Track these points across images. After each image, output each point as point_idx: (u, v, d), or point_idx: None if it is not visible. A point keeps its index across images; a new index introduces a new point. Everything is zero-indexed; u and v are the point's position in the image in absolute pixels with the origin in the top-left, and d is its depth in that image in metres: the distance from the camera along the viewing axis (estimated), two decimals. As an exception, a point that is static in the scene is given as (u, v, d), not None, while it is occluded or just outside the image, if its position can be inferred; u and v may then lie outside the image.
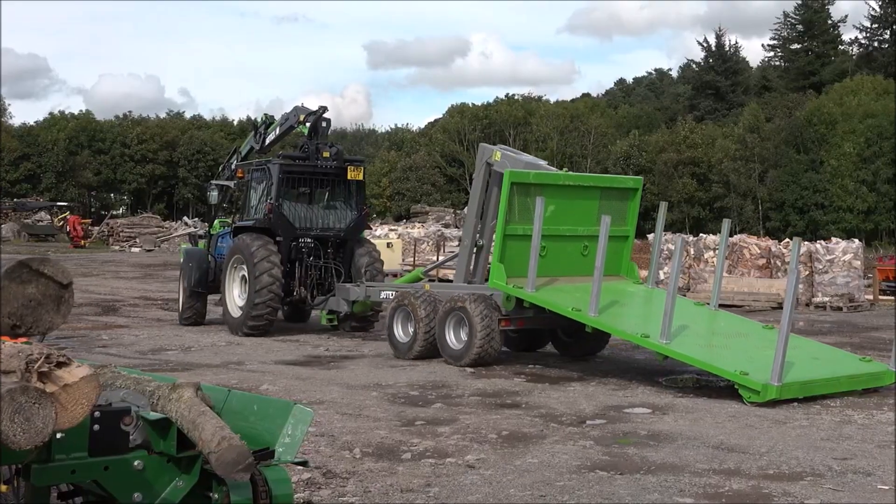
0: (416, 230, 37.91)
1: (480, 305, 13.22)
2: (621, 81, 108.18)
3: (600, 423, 9.74)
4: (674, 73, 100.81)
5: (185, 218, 66.41)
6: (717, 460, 8.15)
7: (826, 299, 24.00)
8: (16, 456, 3.32)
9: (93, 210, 78.68)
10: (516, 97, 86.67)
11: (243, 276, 16.57)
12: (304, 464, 4.22)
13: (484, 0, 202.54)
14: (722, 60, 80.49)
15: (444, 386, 11.90)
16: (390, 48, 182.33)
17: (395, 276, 24.12)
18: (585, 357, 14.50)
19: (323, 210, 17.48)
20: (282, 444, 3.94)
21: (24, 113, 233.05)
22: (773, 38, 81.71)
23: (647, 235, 28.42)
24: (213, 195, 19.29)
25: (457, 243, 34.99)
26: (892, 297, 25.76)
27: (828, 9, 78.06)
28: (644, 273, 15.41)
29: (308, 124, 17.76)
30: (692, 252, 26.31)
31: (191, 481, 3.81)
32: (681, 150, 64.36)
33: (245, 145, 20.16)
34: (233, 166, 20.05)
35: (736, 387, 11.00)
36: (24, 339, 3.90)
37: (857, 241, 27.11)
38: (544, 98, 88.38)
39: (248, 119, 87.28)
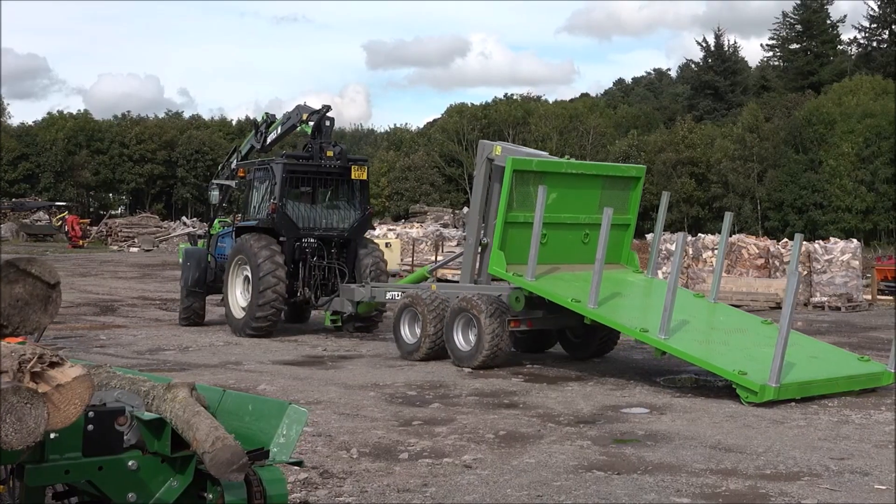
0: (415, 230, 37.90)
1: (489, 306, 13.06)
2: (620, 81, 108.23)
3: (597, 423, 9.73)
4: (672, 73, 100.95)
5: (184, 218, 66.42)
6: (715, 460, 8.15)
7: (824, 299, 24.00)
8: (8, 456, 3.32)
9: (91, 210, 78.68)
10: (515, 97, 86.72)
11: (246, 276, 16.42)
12: (298, 464, 4.22)
13: (483, 0, 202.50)
14: (721, 60, 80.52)
15: (442, 386, 11.89)
16: (389, 48, 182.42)
17: (393, 276, 24.07)
18: (594, 358, 14.39)
19: (326, 210, 17.33)
20: (276, 444, 3.94)
21: (24, 113, 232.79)
22: (772, 38, 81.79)
23: (646, 235, 28.42)
24: (215, 194, 19.13)
25: (455, 243, 35.02)
26: (891, 297, 25.77)
27: (826, 9, 78.11)
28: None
29: (311, 123, 17.63)
30: (690, 252, 26.32)
31: (185, 481, 3.81)
32: (679, 149, 64.38)
33: (245, 144, 20.01)
34: (233, 165, 19.94)
35: (734, 386, 10.98)
36: (19, 339, 3.90)
37: (855, 240, 27.13)
38: (543, 98, 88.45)
39: (248, 119, 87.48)
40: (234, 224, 18.36)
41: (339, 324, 16.73)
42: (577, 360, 14.29)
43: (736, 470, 7.84)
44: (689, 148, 64.94)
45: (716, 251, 26.43)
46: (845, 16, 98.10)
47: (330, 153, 17.15)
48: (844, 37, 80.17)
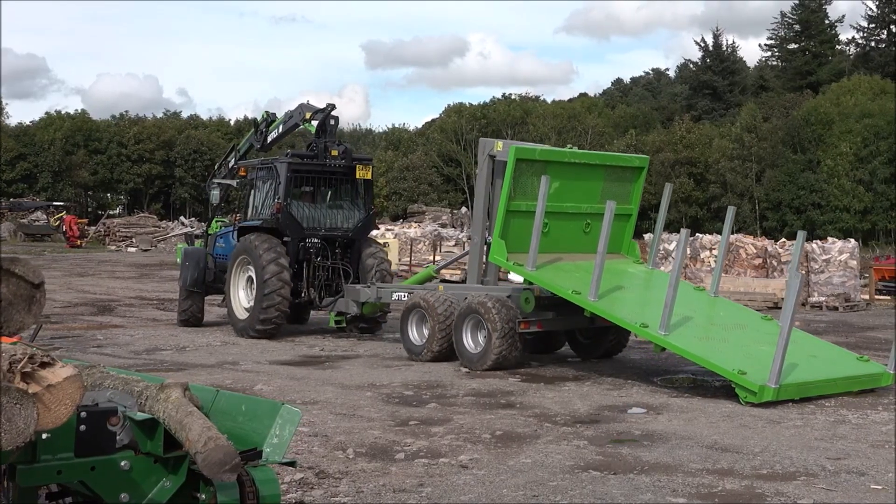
0: (413, 230, 37.88)
1: (499, 308, 12.88)
2: (618, 81, 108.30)
3: (594, 423, 9.72)
4: (671, 73, 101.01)
5: (182, 218, 66.38)
6: (711, 460, 8.14)
7: (822, 299, 24.00)
8: (-1, 457, 3.30)
9: (89, 210, 78.66)
10: (514, 97, 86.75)
11: (249, 277, 16.26)
12: (292, 464, 4.20)
13: (482, 0, 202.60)
14: (719, 60, 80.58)
15: (439, 386, 11.88)
16: (388, 48, 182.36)
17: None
18: (603, 359, 14.27)
19: (330, 210, 17.15)
20: (270, 444, 3.92)
21: (22, 113, 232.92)
22: (771, 38, 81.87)
23: (644, 235, 28.41)
24: (215, 194, 18.90)
25: (454, 243, 35.02)
26: (889, 297, 25.78)
27: (825, 9, 78.17)
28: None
29: (314, 122, 17.49)
30: (688, 252, 26.31)
31: (178, 482, 3.79)
32: (678, 149, 64.42)
33: (244, 143, 19.83)
34: (230, 164, 19.84)
35: (733, 386, 10.95)
36: (13, 340, 3.89)
37: (852, 240, 27.14)
38: (542, 98, 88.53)
39: (246, 119, 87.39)
40: (234, 223, 18.27)
41: (344, 325, 16.54)
42: (585, 361, 14.15)
43: (732, 470, 7.83)
44: (688, 148, 64.98)
45: (713, 251, 26.48)
46: (843, 16, 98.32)
47: (335, 152, 16.98)
48: (843, 37, 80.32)
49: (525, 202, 13.44)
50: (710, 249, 26.74)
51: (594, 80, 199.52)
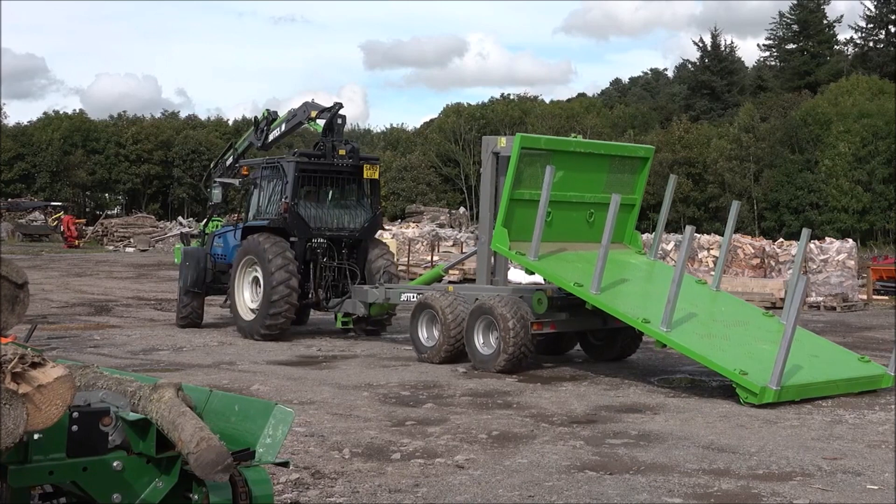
0: (411, 230, 37.87)
1: (511, 309, 12.64)
2: (617, 81, 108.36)
3: (591, 423, 9.72)
4: (669, 73, 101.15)
5: (180, 218, 66.35)
6: (707, 460, 8.13)
7: (820, 299, 24.00)
8: (-11, 456, 3.30)
9: (87, 210, 78.66)
10: (512, 97, 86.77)
11: (255, 277, 16.07)
12: (285, 464, 4.20)
13: (480, 0, 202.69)
14: (717, 60, 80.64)
15: (436, 386, 11.87)
16: (387, 48, 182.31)
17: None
18: (616, 361, 14.11)
19: (338, 210, 16.93)
20: (262, 444, 3.92)
21: (21, 113, 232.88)
22: (769, 38, 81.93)
23: (644, 236, 28.36)
24: (217, 193, 18.57)
25: (451, 243, 35.01)
26: (886, 297, 25.80)
27: (823, 9, 78.20)
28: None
29: (319, 121, 17.30)
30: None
31: (170, 482, 3.79)
32: (676, 150, 64.41)
33: (243, 142, 19.63)
34: (227, 163, 19.65)
35: (734, 386, 10.88)
36: (8, 340, 3.88)
37: (850, 240, 27.17)
38: (540, 98, 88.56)
39: (244, 119, 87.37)
40: (235, 223, 18.13)
41: (351, 326, 16.40)
42: (595, 362, 13.99)
43: (728, 470, 7.82)
44: (686, 148, 64.98)
45: (712, 251, 26.48)
46: (842, 16, 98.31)
47: (342, 151, 16.78)
48: (841, 37, 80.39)
49: (529, 191, 13.27)
50: (709, 249, 26.74)
51: (593, 80, 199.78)
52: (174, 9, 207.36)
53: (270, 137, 18.67)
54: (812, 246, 25.45)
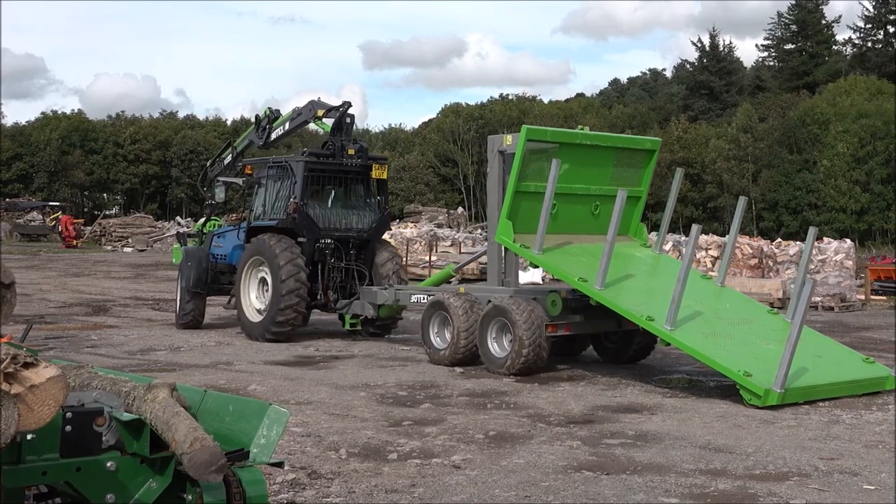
0: (409, 230, 37.85)
1: (525, 311, 12.46)
2: (615, 81, 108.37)
3: (588, 423, 9.71)
4: (668, 73, 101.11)
5: (178, 218, 66.32)
6: (704, 460, 8.13)
7: (818, 299, 23.99)
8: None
9: (85, 210, 78.60)
10: (510, 97, 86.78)
11: (262, 278, 15.89)
12: (279, 465, 4.19)
13: (479, 0, 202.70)
14: (716, 60, 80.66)
15: (433, 386, 11.86)
16: (386, 48, 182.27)
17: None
18: (630, 363, 13.94)
19: (346, 210, 16.73)
20: (257, 444, 3.91)
21: (20, 113, 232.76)
22: (767, 39, 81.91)
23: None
24: (220, 192, 18.17)
25: (450, 243, 35.00)
26: (884, 297, 25.80)
27: (821, 9, 78.22)
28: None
29: (326, 120, 17.12)
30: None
31: (164, 482, 3.78)
32: (674, 150, 64.39)
33: (242, 140, 19.40)
34: (226, 162, 19.52)
35: (737, 387, 10.77)
36: (4, 339, 3.86)
37: (848, 241, 27.17)
38: (538, 98, 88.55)
39: (242, 119, 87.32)
40: (238, 222, 17.98)
41: (359, 327, 16.24)
42: (611, 364, 13.81)
43: (725, 470, 7.82)
44: (684, 148, 64.99)
45: (710, 251, 26.47)
46: (840, 16, 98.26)
47: (351, 151, 16.58)
48: (839, 37, 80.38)
49: (534, 183, 13.13)
50: (706, 249, 26.73)
51: (591, 80, 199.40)
52: (173, 9, 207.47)
53: (273, 136, 18.47)
54: (810, 246, 25.40)
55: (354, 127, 17.73)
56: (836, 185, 57.76)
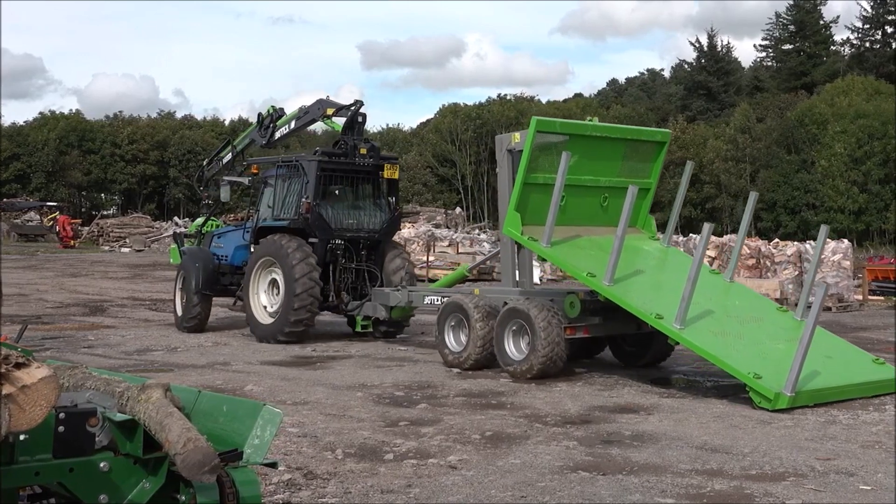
0: (406, 230, 37.84)
1: (543, 313, 12.22)
2: (613, 82, 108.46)
3: (585, 423, 9.70)
4: (666, 74, 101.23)
5: (176, 218, 66.30)
6: (701, 461, 8.12)
7: (814, 299, 23.97)
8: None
9: (83, 210, 78.60)
10: (508, 97, 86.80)
11: (273, 279, 15.69)
12: (273, 465, 4.17)
13: (478, 0, 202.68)
14: (714, 61, 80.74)
15: (430, 386, 11.85)
16: (384, 48, 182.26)
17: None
18: (648, 367, 13.65)
19: (357, 210, 16.54)
20: (251, 445, 3.90)
21: (18, 113, 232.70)
22: (765, 39, 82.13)
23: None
24: (226, 191, 17.85)
25: (447, 243, 34.99)
26: (882, 298, 25.81)
27: (820, 9, 78.31)
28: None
29: (337, 119, 16.94)
30: (684, 251, 26.28)
31: (157, 483, 3.77)
32: (672, 150, 64.37)
33: (243, 139, 19.18)
34: (224, 161, 19.26)
35: (747, 390, 10.62)
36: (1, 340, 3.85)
37: (846, 241, 27.16)
38: (536, 98, 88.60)
39: (240, 119, 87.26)
40: (244, 222, 17.76)
41: (371, 329, 16.08)
42: (629, 367, 13.57)
43: (721, 470, 7.81)
44: (682, 148, 64.99)
45: (707, 251, 26.46)
46: (838, 16, 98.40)
47: (363, 150, 16.36)
48: (837, 37, 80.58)
49: (543, 175, 12.97)
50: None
51: (590, 80, 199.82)
52: (172, 9, 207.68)
53: (277, 135, 18.22)
54: (807, 246, 25.44)
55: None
56: (833, 185, 57.82)
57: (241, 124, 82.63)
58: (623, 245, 12.11)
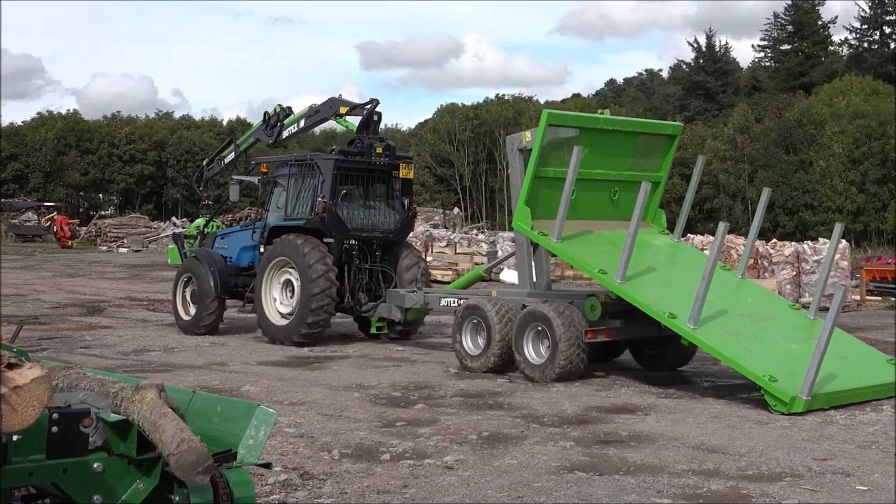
0: (405, 230, 37.77)
1: (563, 316, 12.03)
2: (612, 82, 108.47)
3: (582, 423, 9.70)
4: (664, 74, 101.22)
5: (174, 218, 66.25)
6: (697, 461, 8.12)
7: (812, 299, 23.96)
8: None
9: (81, 210, 78.57)
10: (506, 97, 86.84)
11: (287, 280, 15.48)
12: (267, 466, 4.17)
13: (476, 0, 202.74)
14: (712, 61, 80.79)
15: (427, 387, 11.84)
16: (383, 49, 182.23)
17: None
18: (668, 371, 13.40)
19: (372, 210, 16.36)
20: (245, 445, 3.90)
21: (17, 113, 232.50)
22: (764, 39, 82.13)
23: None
24: (235, 190, 17.69)
25: (445, 244, 34.96)
26: (879, 298, 25.81)
27: (818, 9, 78.33)
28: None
29: (350, 118, 16.79)
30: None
31: (151, 483, 3.77)
32: (670, 150, 64.39)
33: (247, 138, 18.91)
34: (227, 160, 18.93)
35: (762, 393, 10.49)
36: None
37: (843, 241, 27.15)
38: (534, 98, 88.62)
39: (238, 119, 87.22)
40: (253, 222, 17.48)
41: (385, 331, 15.89)
42: (650, 371, 13.37)
43: (718, 471, 7.81)
44: (680, 149, 64.73)
45: (705, 251, 26.44)
46: (836, 17, 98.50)
47: (379, 149, 16.19)
48: (835, 38, 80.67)
49: (554, 168, 12.82)
50: (702, 249, 26.71)
51: (588, 80, 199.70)
52: (171, 9, 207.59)
53: (285, 134, 18.00)
54: (805, 246, 25.44)
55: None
56: (831, 185, 57.87)
57: (239, 124, 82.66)
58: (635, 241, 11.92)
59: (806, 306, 23.50)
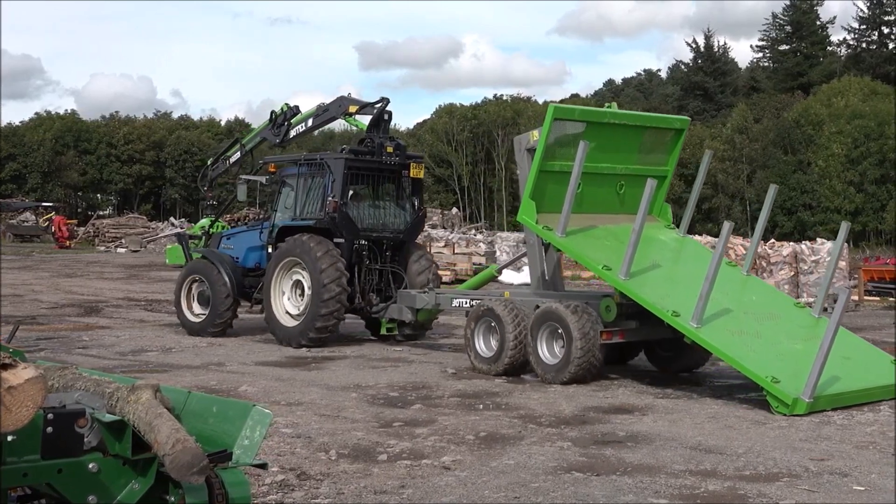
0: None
1: (578, 317, 11.89)
2: (610, 82, 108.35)
3: (579, 424, 9.70)
4: (663, 74, 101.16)
5: (172, 218, 66.25)
6: (694, 461, 8.12)
7: (811, 299, 23.98)
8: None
9: (79, 210, 78.54)
10: (505, 98, 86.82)
11: (296, 280, 15.37)
12: (263, 466, 4.16)
13: (475, 0, 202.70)
14: (711, 61, 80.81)
15: (425, 387, 11.84)
16: (381, 49, 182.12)
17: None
18: (683, 373, 13.25)
19: (382, 210, 16.25)
20: (240, 445, 3.89)
21: (15, 113, 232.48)
22: (762, 39, 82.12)
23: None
24: (243, 190, 17.49)
25: (443, 244, 34.97)
26: (878, 298, 25.82)
27: (816, 10, 78.37)
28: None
29: (358, 117, 16.72)
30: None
31: (146, 484, 3.76)
32: (669, 150, 64.41)
33: (253, 137, 18.75)
34: (232, 160, 18.80)
35: (765, 394, 10.44)
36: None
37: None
38: (533, 99, 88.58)
39: (236, 119, 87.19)
40: (260, 222, 17.36)
41: (396, 332, 15.78)
42: (665, 373, 13.21)
43: (715, 471, 7.81)
44: (679, 149, 64.99)
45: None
46: (835, 17, 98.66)
47: (390, 149, 16.03)
48: (834, 38, 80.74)
49: (560, 162, 12.74)
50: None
51: (587, 81, 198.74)
52: (171, 9, 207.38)
53: (292, 133, 17.85)
54: (803, 247, 25.45)
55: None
56: (830, 185, 57.90)
57: (237, 125, 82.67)
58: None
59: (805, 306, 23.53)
